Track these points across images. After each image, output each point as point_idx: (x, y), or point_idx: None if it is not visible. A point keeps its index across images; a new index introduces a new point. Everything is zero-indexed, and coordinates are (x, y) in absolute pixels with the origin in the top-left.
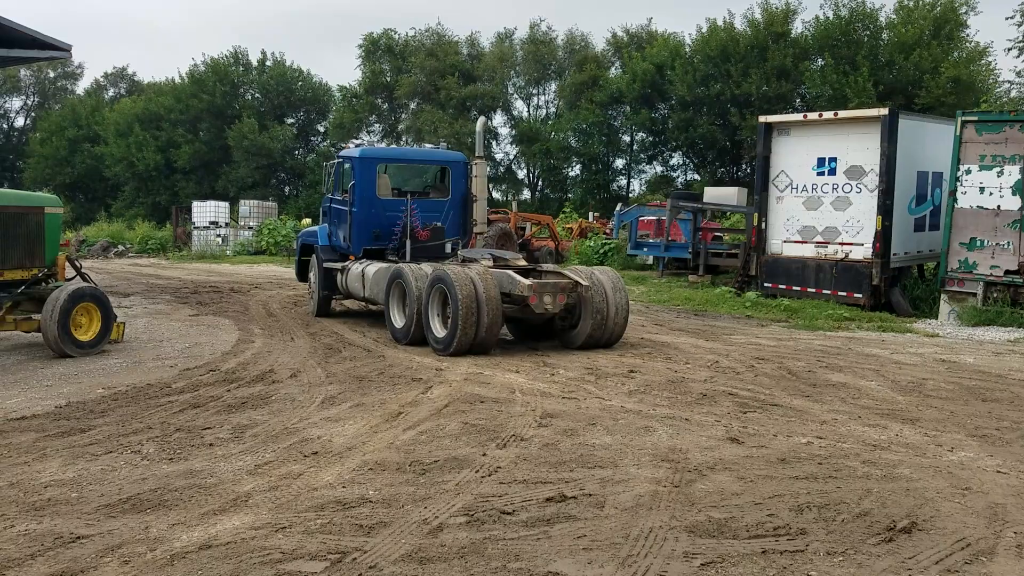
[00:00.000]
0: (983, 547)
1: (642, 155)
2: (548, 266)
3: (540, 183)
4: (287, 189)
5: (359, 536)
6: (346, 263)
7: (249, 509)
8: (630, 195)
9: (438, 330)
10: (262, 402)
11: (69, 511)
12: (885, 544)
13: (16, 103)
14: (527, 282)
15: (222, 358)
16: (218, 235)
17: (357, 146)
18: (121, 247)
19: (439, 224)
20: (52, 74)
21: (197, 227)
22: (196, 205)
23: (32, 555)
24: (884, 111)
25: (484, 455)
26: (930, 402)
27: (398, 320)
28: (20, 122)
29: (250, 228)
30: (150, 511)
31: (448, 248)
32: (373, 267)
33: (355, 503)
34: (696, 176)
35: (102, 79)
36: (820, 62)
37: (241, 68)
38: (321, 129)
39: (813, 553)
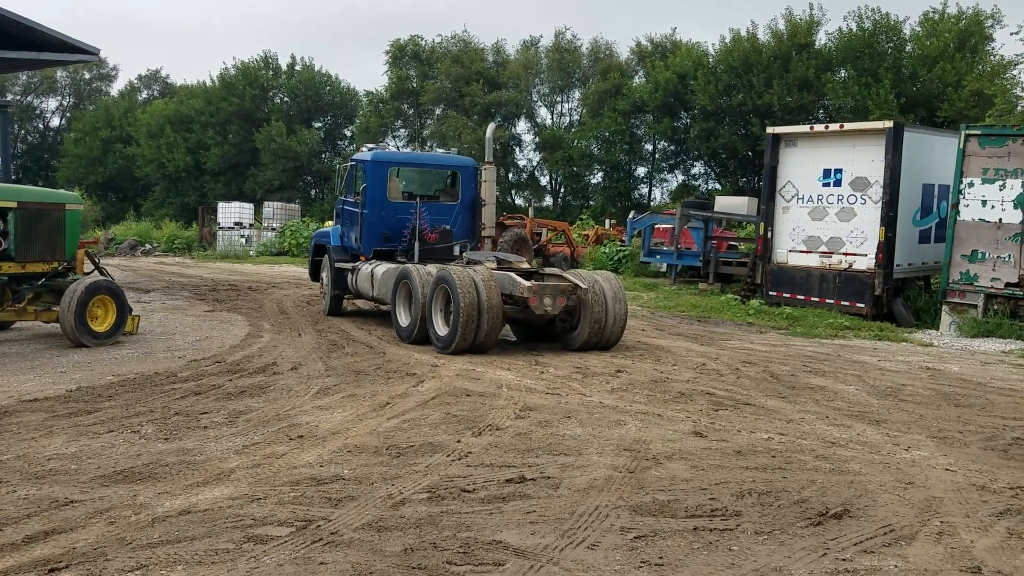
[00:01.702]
0: (906, 533)
1: (664, 164)
2: (550, 269)
3: (562, 190)
4: (313, 192)
5: (327, 508)
6: (357, 263)
7: (230, 482)
8: (651, 203)
9: (440, 328)
10: (260, 391)
11: (67, 480)
12: (813, 527)
13: (52, 103)
14: (527, 284)
15: (229, 351)
16: (242, 235)
17: (370, 150)
18: (148, 246)
19: (448, 227)
20: (87, 75)
21: (222, 227)
22: (221, 206)
23: (28, 515)
24: (889, 124)
25: (459, 442)
26: (902, 406)
27: (403, 319)
28: (55, 122)
29: (273, 229)
30: (140, 482)
31: (456, 251)
32: (382, 268)
33: (329, 480)
34: (717, 185)
35: (136, 81)
36: (843, 74)
37: (271, 72)
38: (348, 133)
39: (741, 532)
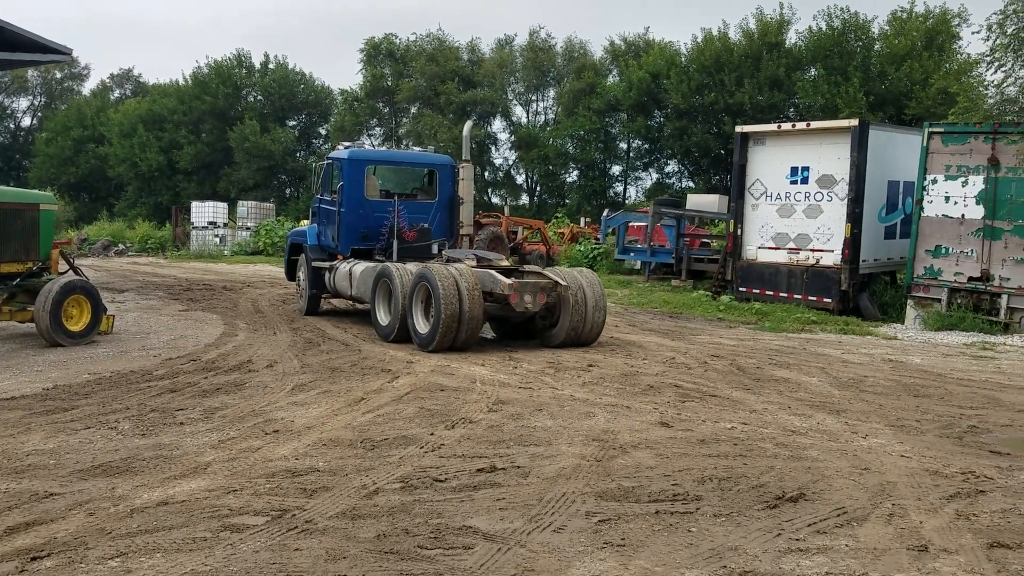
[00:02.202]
0: (858, 515)
1: (638, 162)
2: (529, 267)
3: (538, 189)
4: (288, 191)
5: (302, 498)
6: (334, 262)
7: (207, 475)
8: (627, 201)
9: (421, 327)
10: (236, 388)
11: (46, 474)
12: (769, 510)
13: (23, 103)
14: (508, 281)
15: (204, 349)
16: (216, 235)
17: (346, 148)
18: (121, 246)
19: (426, 225)
20: (59, 75)
21: (195, 227)
22: (195, 205)
23: (9, 507)
24: (855, 122)
25: (432, 434)
26: (863, 396)
27: (383, 318)
28: (27, 122)
29: (248, 229)
30: (118, 475)
31: (435, 249)
32: (360, 266)
33: (304, 472)
34: (691, 183)
35: (108, 80)
36: (812, 72)
37: (244, 71)
38: (323, 132)
39: (700, 515)
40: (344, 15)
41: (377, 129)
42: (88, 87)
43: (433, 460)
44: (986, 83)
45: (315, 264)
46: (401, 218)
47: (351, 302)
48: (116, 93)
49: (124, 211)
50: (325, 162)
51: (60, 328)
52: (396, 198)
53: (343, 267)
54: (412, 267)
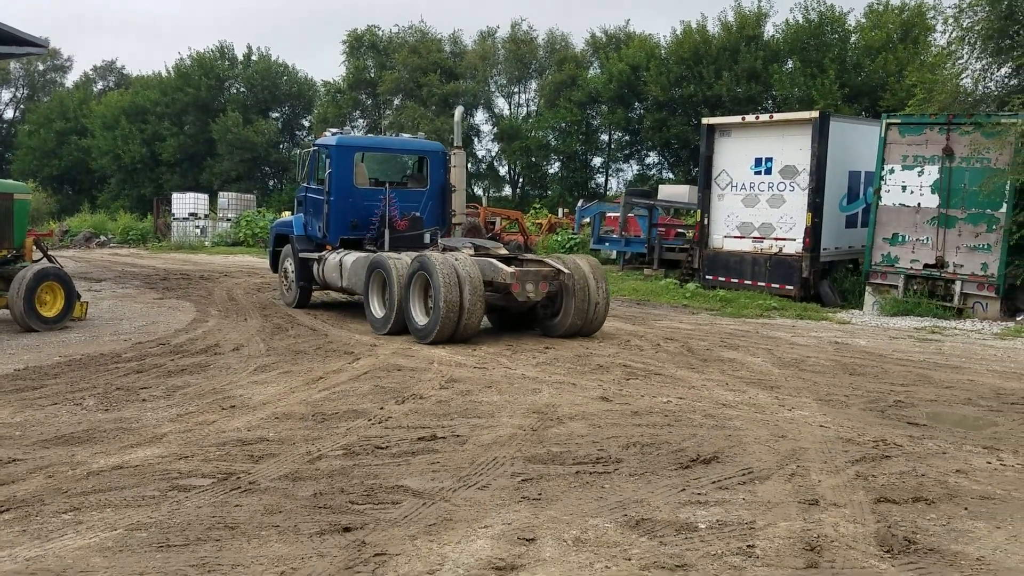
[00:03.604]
0: (762, 474)
1: (619, 154)
2: (530, 255)
3: (521, 180)
4: (271, 183)
5: (248, 463)
6: (323, 253)
7: (162, 444)
8: (607, 193)
9: (419, 318)
10: (200, 369)
11: (11, 444)
12: (682, 470)
13: (5, 95)
14: (510, 269)
15: (174, 334)
16: (197, 226)
17: (333, 134)
18: (103, 237)
19: (417, 214)
20: (41, 67)
21: (176, 218)
22: (176, 197)
23: None
24: (815, 114)
25: (381, 409)
26: (800, 375)
27: (378, 310)
28: (9, 114)
29: (228, 220)
30: (78, 444)
31: (427, 238)
32: (351, 257)
33: (253, 441)
34: (671, 175)
35: (91, 72)
36: (789, 65)
37: (227, 63)
38: (306, 123)
39: (617, 475)
40: (326, 7)
41: (360, 121)
42: (71, 79)
43: (378, 431)
44: (945, 75)
45: (302, 255)
46: (392, 206)
47: (342, 294)
48: (99, 85)
49: (107, 203)
50: (311, 149)
51: (33, 313)
52: (387, 186)
53: (332, 258)
54: (408, 257)
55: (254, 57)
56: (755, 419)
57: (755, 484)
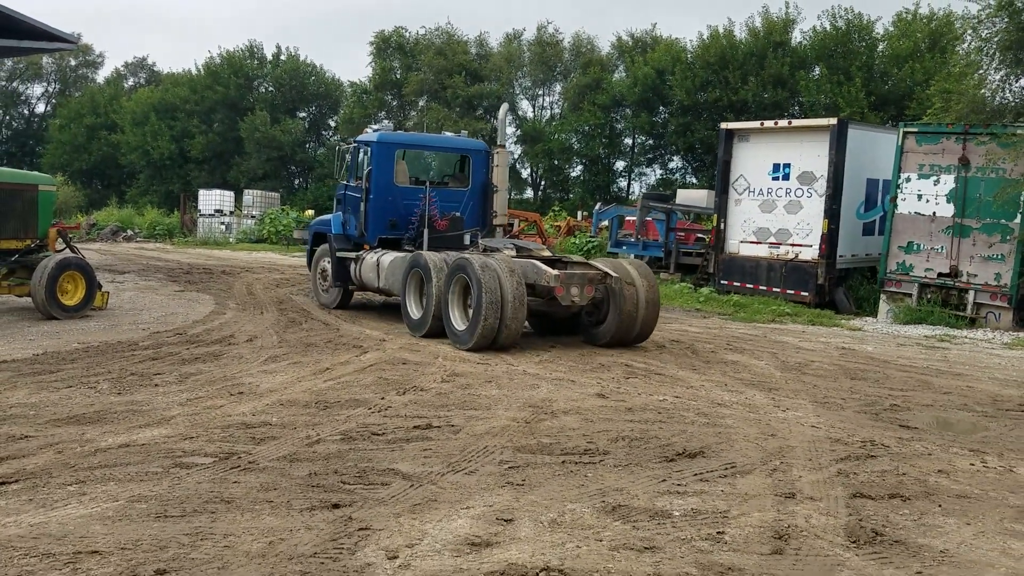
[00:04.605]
0: (745, 469)
1: (642, 158)
2: (574, 257)
3: (543, 183)
4: (297, 182)
5: (250, 444)
6: (360, 252)
7: (169, 426)
8: (630, 196)
9: (458, 323)
10: (213, 358)
11: (25, 422)
12: (666, 463)
13: (37, 89)
14: (554, 272)
15: (191, 325)
16: (222, 223)
17: (375, 131)
18: (130, 232)
19: (458, 214)
20: (73, 62)
21: (203, 214)
22: (202, 193)
23: None
24: (833, 121)
25: (382, 399)
26: (802, 378)
27: (414, 311)
28: (41, 108)
29: (253, 217)
30: (89, 424)
31: (467, 239)
32: (389, 256)
33: (257, 425)
34: (694, 179)
35: (122, 68)
36: (816, 71)
37: (256, 62)
38: (332, 124)
39: (602, 465)
40: (355, 7)
41: (385, 121)
42: (102, 75)
43: (377, 419)
44: (964, 85)
45: (340, 254)
46: (432, 206)
47: (379, 295)
48: (130, 81)
49: (135, 198)
50: (352, 145)
51: (55, 302)
52: (427, 185)
53: (370, 257)
54: (448, 257)
55: (283, 57)
56: (747, 418)
57: (736, 478)
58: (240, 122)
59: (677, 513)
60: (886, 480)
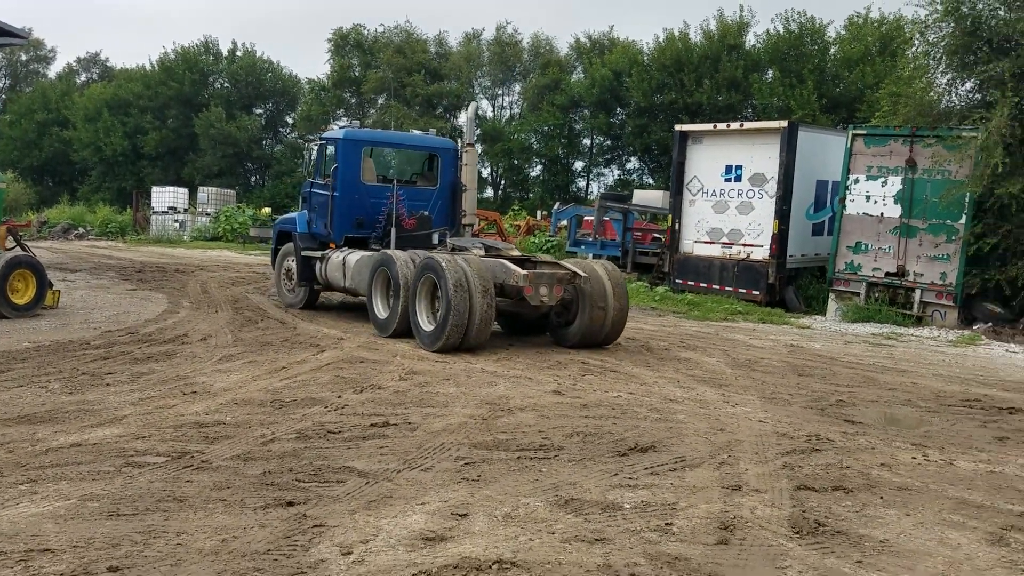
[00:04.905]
0: (694, 462)
1: (600, 158)
2: (543, 256)
3: (503, 182)
4: (253, 179)
5: (203, 444)
6: (326, 252)
7: (121, 425)
8: (589, 196)
9: (426, 324)
10: (166, 358)
11: None
12: (619, 457)
13: None
14: (523, 272)
15: (144, 324)
16: (176, 220)
17: (341, 128)
18: (82, 229)
19: (426, 213)
20: (24, 57)
21: (156, 212)
22: (155, 190)
23: None
24: (784, 124)
25: (339, 397)
26: (751, 374)
27: (381, 311)
28: None
29: (208, 215)
30: (40, 424)
31: (435, 239)
32: (355, 255)
33: (211, 424)
34: (651, 180)
35: (74, 64)
36: (769, 74)
37: (211, 57)
38: (289, 120)
39: (556, 460)
40: (313, 4)
41: (344, 119)
42: (54, 70)
43: (333, 417)
44: (913, 89)
45: (305, 253)
46: (400, 205)
47: (345, 294)
48: (82, 77)
49: (87, 196)
50: (318, 143)
51: (5, 301)
52: (394, 183)
53: (336, 256)
54: (416, 256)
55: (239, 52)
56: (698, 413)
57: (685, 471)
58: (195, 118)
59: (628, 505)
60: (830, 473)
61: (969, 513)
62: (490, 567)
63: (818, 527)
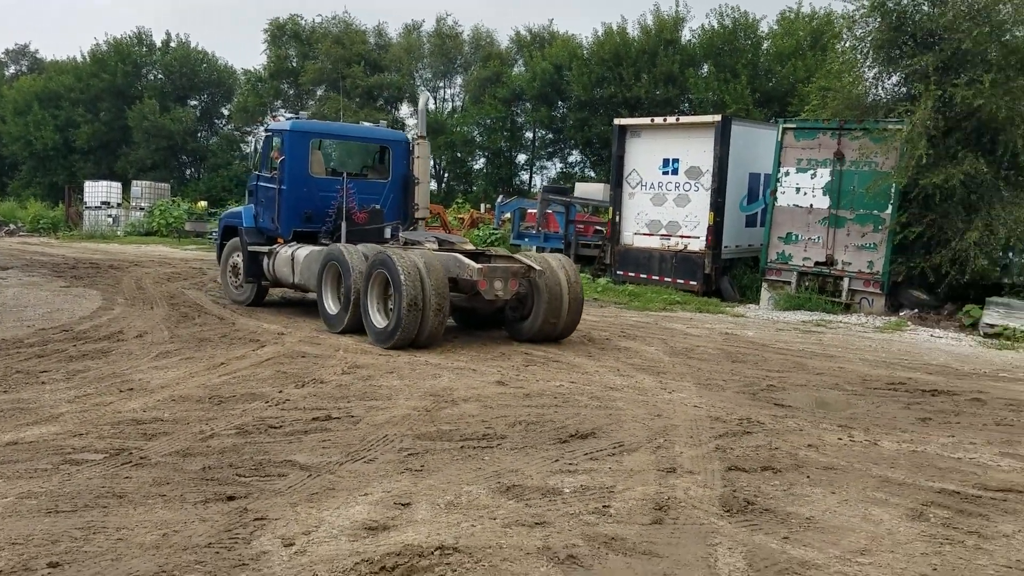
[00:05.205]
0: (631, 447)
1: (543, 151)
2: (497, 250)
3: (446, 175)
4: (188, 172)
5: (141, 440)
6: (274, 246)
7: (57, 423)
8: (532, 189)
9: (378, 320)
10: (102, 355)
11: None
12: (560, 444)
13: None
14: (477, 265)
15: (79, 321)
16: (109, 215)
17: (288, 118)
18: (12, 226)
19: (378, 207)
20: None
21: (89, 207)
22: (88, 185)
23: None
24: (717, 118)
25: (280, 392)
26: (688, 362)
27: (332, 306)
28: None
29: (142, 209)
30: None
31: (388, 233)
32: (304, 250)
33: (148, 421)
34: (593, 173)
35: (3, 56)
36: (705, 69)
37: (144, 49)
38: (225, 112)
39: (499, 449)
40: None
41: (282, 111)
42: None
43: (275, 412)
44: (841, 83)
45: (252, 249)
46: (350, 198)
47: (295, 291)
48: (11, 69)
49: (17, 191)
50: (264, 134)
51: None
52: (344, 176)
53: (284, 251)
54: (367, 250)
55: (173, 44)
56: (636, 400)
57: (623, 456)
58: (128, 111)
59: (567, 490)
60: (760, 454)
61: (891, 490)
62: (432, 553)
63: (747, 505)
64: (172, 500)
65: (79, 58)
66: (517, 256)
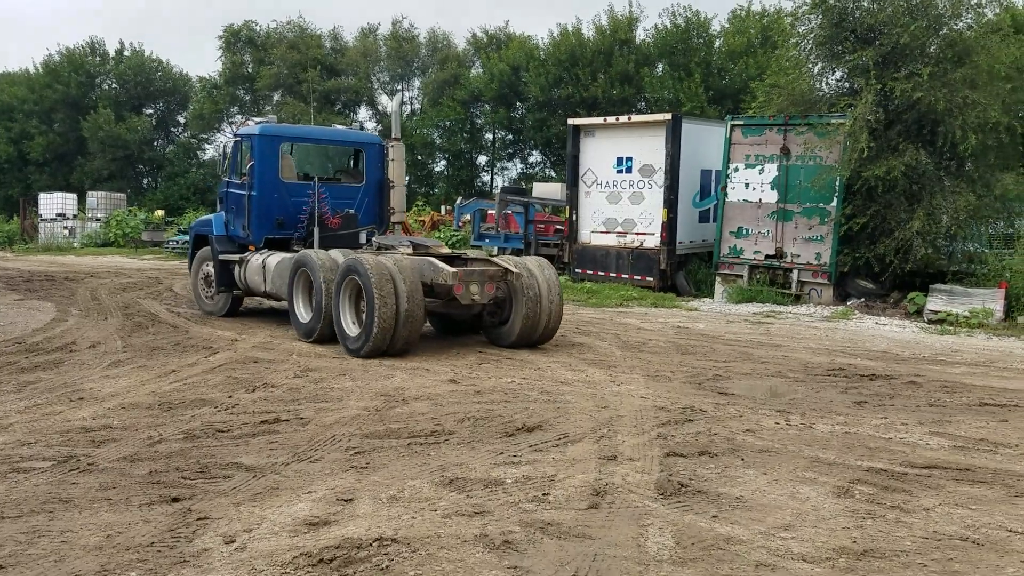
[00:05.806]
0: (576, 438)
1: (503, 153)
2: (474, 253)
3: (407, 177)
4: (145, 181)
5: (89, 447)
6: (245, 254)
7: (6, 433)
8: (493, 190)
9: (351, 328)
10: (54, 366)
11: None
12: (507, 438)
13: None
14: (452, 269)
15: (31, 334)
16: (65, 227)
17: (257, 123)
18: None
19: (352, 211)
20: None
21: (44, 219)
22: (43, 197)
23: None
24: (668, 116)
25: (230, 397)
26: (639, 355)
27: (303, 315)
28: None
29: (98, 220)
30: None
31: (362, 238)
32: (275, 258)
33: (97, 428)
34: (553, 173)
35: None
36: (659, 68)
37: (97, 58)
38: (181, 120)
39: (447, 444)
40: (201, 1)
41: (238, 117)
42: None
43: (224, 417)
44: (786, 79)
45: (223, 257)
46: (323, 203)
47: (268, 300)
48: None
49: None
50: (233, 139)
51: None
52: (316, 181)
53: (255, 260)
54: (337, 256)
55: (126, 52)
56: (585, 393)
57: (567, 446)
58: (83, 121)
59: (509, 481)
60: (699, 440)
61: (821, 470)
62: (370, 544)
63: (681, 488)
64: (117, 503)
65: (31, 69)
66: (494, 259)
